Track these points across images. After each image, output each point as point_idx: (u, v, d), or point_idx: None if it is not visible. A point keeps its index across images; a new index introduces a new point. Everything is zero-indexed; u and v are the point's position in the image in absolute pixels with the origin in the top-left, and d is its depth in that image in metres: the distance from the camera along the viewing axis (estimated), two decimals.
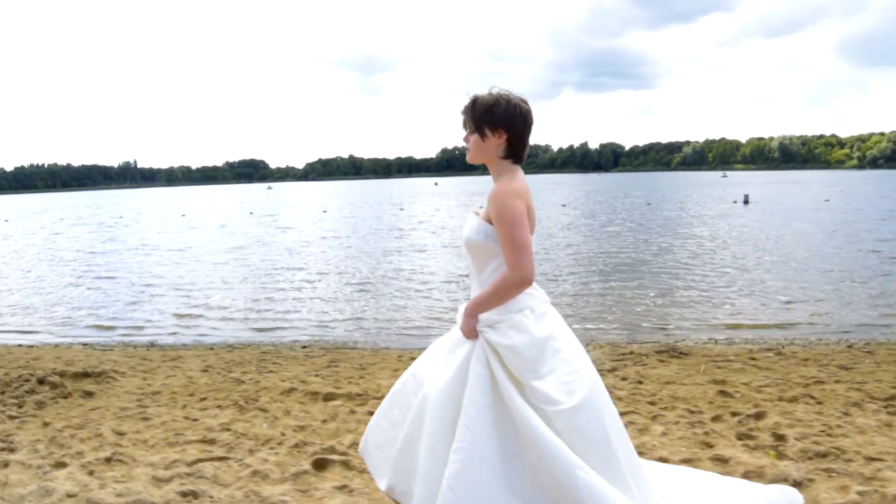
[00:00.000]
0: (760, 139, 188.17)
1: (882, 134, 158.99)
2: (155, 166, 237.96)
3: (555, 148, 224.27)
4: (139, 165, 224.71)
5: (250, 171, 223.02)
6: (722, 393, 4.56)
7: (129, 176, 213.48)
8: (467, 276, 2.38)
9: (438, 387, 2.13)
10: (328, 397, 4.69)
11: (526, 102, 2.24)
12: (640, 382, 4.92)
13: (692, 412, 4.13)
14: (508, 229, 2.08)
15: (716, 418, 4.00)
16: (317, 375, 5.43)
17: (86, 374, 5.51)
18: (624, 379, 5.04)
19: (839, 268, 11.37)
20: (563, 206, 34.64)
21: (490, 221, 2.14)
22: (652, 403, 4.36)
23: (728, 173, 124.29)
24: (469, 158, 2.28)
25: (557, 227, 21.76)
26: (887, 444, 3.43)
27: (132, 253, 18.42)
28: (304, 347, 6.84)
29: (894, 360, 5.57)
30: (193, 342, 7.51)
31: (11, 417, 4.34)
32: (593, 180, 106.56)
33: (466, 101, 2.24)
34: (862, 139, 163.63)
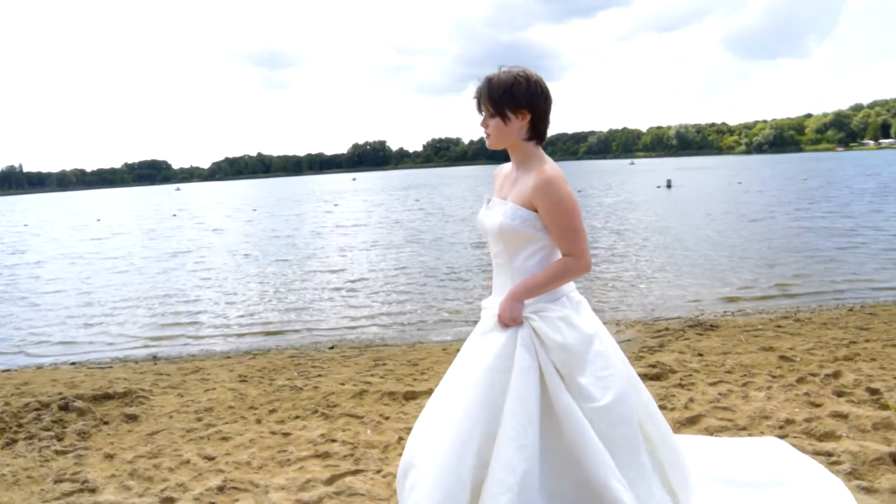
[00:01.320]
0: (659, 128, 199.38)
1: (765, 121, 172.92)
2: (44, 170, 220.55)
3: (465, 140, 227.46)
4: (25, 170, 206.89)
5: (152, 173, 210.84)
6: (782, 358, 4.86)
7: (14, 181, 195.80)
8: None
9: (470, 385, 2.04)
10: (409, 396, 4.55)
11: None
12: (701, 355, 5.14)
13: (775, 377, 4.38)
14: (569, 217, 2.02)
15: (800, 380, 4.26)
16: (373, 375, 5.25)
17: (107, 396, 5.00)
18: (682, 353, 5.25)
19: (794, 244, 12.33)
20: None
21: (530, 206, 2.06)
22: (729, 372, 4.58)
23: (635, 161, 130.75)
24: (490, 144, 2.15)
25: None
26: None
27: (61, 264, 16.78)
28: (332, 348, 6.62)
29: None
30: (202, 352, 7.08)
31: (60, 452, 3.81)
32: None
33: (479, 82, 2.11)
34: (748, 126, 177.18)
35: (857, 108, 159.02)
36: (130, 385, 5.38)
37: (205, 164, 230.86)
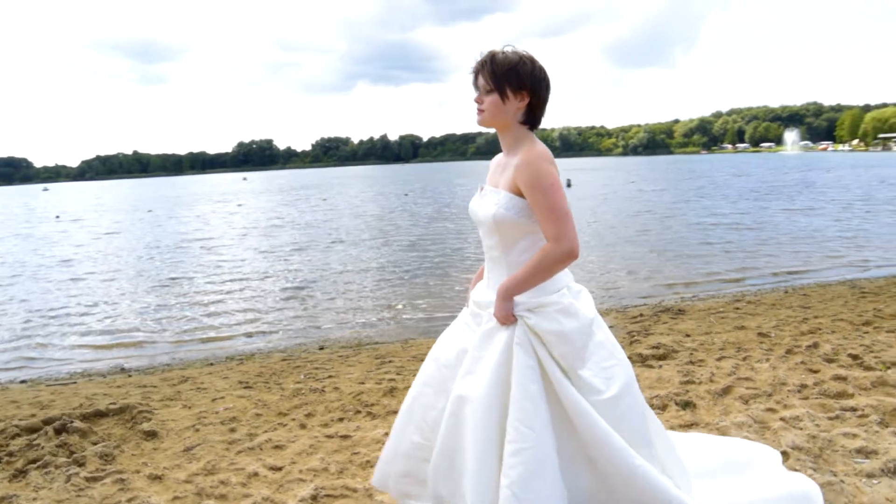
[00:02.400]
0: (544, 129, 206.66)
1: (639, 125, 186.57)
2: None
3: (355, 140, 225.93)
4: None
5: (9, 172, 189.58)
6: (760, 335, 5.48)
7: None
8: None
9: (480, 388, 1.96)
10: None
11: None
12: (688, 335, 5.66)
13: (767, 350, 4.95)
14: (548, 197, 1.92)
15: (789, 352, 4.84)
16: (387, 373, 5.27)
17: (99, 414, 4.56)
18: (670, 335, 5.75)
19: (711, 238, 13.63)
20: (406, 195, 35.41)
21: (517, 192, 1.98)
22: (723, 349, 5.11)
23: None
24: (481, 121, 2.08)
25: (426, 219, 22.32)
26: None
27: None
28: (322, 349, 6.56)
29: (829, 298, 7.08)
30: (176, 361, 6.67)
31: (91, 479, 3.44)
32: (400, 171, 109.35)
33: (480, 56, 2.05)
34: (624, 130, 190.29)
35: (718, 115, 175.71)
36: (117, 400, 4.96)
37: (73, 163, 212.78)
